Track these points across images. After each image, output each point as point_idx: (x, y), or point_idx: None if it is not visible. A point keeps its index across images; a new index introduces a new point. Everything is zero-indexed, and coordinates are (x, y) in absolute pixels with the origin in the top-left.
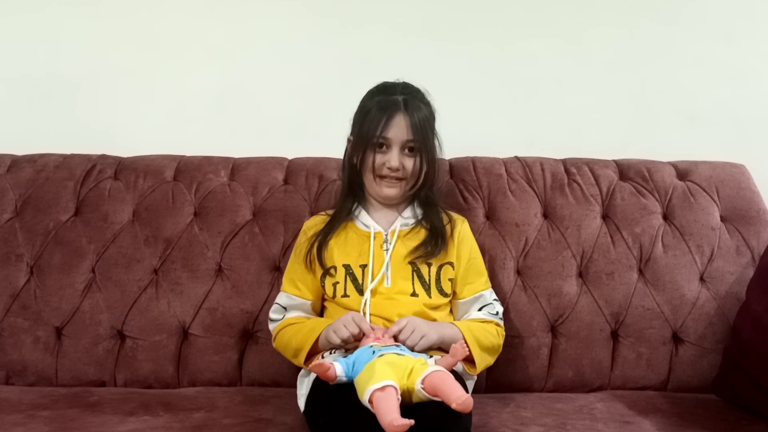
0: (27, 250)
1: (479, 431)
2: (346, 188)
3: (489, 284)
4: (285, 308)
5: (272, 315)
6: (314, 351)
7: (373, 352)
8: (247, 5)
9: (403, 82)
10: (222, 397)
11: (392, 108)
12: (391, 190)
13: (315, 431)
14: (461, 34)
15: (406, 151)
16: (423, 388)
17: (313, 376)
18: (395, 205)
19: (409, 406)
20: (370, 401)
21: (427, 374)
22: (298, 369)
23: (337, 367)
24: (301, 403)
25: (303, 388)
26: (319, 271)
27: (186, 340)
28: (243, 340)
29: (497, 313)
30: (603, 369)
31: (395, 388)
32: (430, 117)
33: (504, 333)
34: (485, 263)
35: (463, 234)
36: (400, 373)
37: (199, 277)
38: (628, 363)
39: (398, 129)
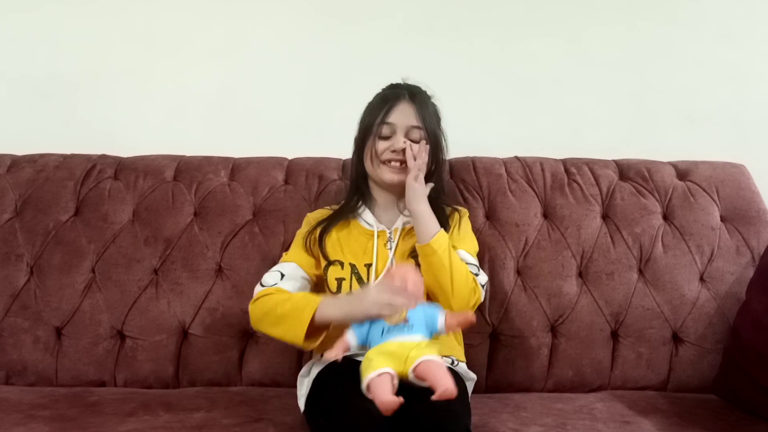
0: (27, 250)
1: (479, 431)
2: (353, 188)
3: (476, 259)
4: (283, 276)
5: (267, 278)
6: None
7: (383, 330)
8: (247, 5)
9: (408, 83)
10: (222, 397)
11: (396, 97)
12: (395, 176)
13: (315, 431)
14: (461, 33)
15: (411, 140)
16: (414, 375)
17: (312, 375)
18: (397, 201)
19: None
20: (368, 388)
21: (419, 362)
22: (298, 369)
23: (351, 337)
24: (301, 403)
25: (303, 388)
26: (323, 261)
27: (186, 340)
28: (243, 340)
29: (477, 274)
30: (603, 369)
31: (390, 374)
32: (436, 113)
33: (477, 295)
34: (485, 263)
35: (464, 224)
36: (396, 361)
37: (199, 277)
38: (628, 363)
39: (402, 115)
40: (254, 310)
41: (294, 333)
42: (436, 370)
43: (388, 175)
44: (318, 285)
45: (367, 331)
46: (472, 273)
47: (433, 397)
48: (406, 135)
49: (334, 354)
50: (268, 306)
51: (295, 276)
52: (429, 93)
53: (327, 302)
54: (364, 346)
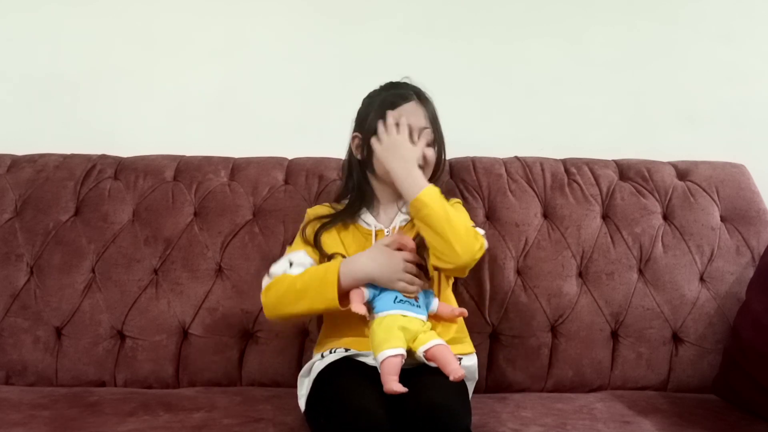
0: (27, 250)
1: (479, 431)
2: (354, 189)
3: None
4: (291, 264)
5: (274, 269)
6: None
7: (395, 298)
8: (247, 5)
9: (410, 83)
10: (222, 397)
11: (408, 97)
12: None
13: (316, 431)
14: (461, 33)
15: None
16: (425, 356)
17: (313, 375)
18: (397, 199)
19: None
20: (381, 363)
21: (431, 346)
22: (298, 369)
23: (366, 291)
24: (302, 403)
25: (303, 388)
26: (319, 254)
27: (186, 340)
28: (243, 340)
29: (475, 226)
30: (603, 369)
31: (402, 356)
32: (436, 112)
33: (481, 240)
34: (485, 263)
35: (455, 207)
36: (408, 336)
37: (199, 277)
38: (628, 363)
39: (416, 116)
40: (267, 297)
41: (324, 297)
42: (446, 354)
43: None
44: None
45: (379, 290)
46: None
47: (451, 379)
48: (419, 136)
49: (361, 309)
50: (283, 288)
51: (304, 263)
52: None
53: (348, 263)
54: (371, 303)
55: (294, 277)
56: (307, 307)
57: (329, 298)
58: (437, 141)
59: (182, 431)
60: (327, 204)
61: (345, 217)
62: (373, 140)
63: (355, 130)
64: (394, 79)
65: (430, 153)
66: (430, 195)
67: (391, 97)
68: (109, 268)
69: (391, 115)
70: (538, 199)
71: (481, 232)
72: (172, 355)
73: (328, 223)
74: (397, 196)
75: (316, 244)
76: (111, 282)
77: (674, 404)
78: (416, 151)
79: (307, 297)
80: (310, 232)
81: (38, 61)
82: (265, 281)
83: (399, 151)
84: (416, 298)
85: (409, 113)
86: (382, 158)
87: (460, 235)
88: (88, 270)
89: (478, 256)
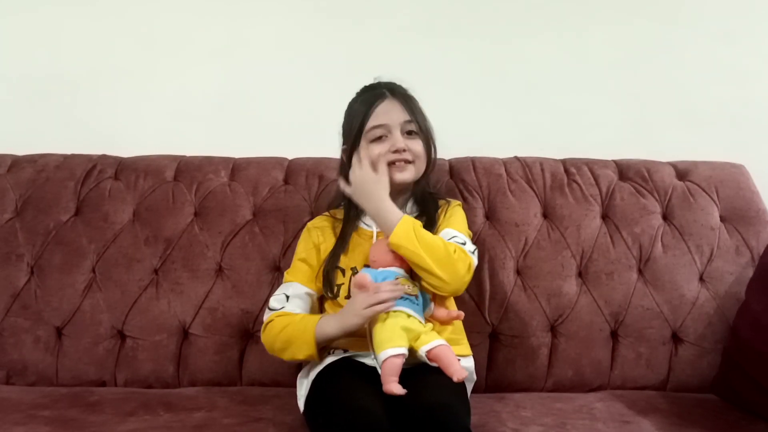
0: (27, 250)
1: (479, 431)
2: (348, 200)
3: (464, 235)
4: (288, 298)
5: (273, 303)
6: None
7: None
8: (247, 5)
9: (383, 81)
10: (222, 396)
11: (379, 97)
12: (403, 174)
13: (315, 431)
14: (461, 33)
15: (406, 134)
16: (427, 357)
17: (312, 376)
18: (394, 199)
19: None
20: (383, 362)
21: (433, 347)
22: (298, 369)
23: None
24: (301, 403)
25: (302, 388)
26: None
27: (186, 340)
28: (243, 339)
29: (464, 243)
30: (602, 369)
31: (404, 356)
32: (419, 105)
33: (468, 259)
34: (485, 263)
35: (452, 211)
36: (410, 336)
37: (199, 277)
38: (628, 363)
39: (392, 113)
40: (264, 338)
41: (306, 353)
42: (449, 355)
43: (397, 175)
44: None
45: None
46: (458, 243)
47: (454, 380)
48: (402, 131)
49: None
50: (274, 333)
51: (300, 294)
52: (405, 86)
53: (323, 322)
54: None
55: (285, 323)
56: (291, 356)
57: (311, 355)
58: (423, 132)
59: (182, 431)
60: (326, 215)
61: (349, 229)
62: (342, 184)
63: (343, 143)
64: (394, 78)
65: (415, 146)
66: (401, 234)
67: (363, 100)
68: (110, 268)
69: (354, 155)
70: (538, 199)
71: (470, 248)
72: (172, 355)
73: (336, 253)
74: (394, 196)
75: (330, 288)
76: (111, 282)
77: (674, 404)
78: (381, 180)
79: (291, 348)
80: (318, 263)
81: (38, 61)
82: (266, 315)
83: (364, 189)
84: (417, 296)
85: (383, 113)
86: (355, 199)
87: (443, 265)
88: (88, 270)
89: (468, 278)
